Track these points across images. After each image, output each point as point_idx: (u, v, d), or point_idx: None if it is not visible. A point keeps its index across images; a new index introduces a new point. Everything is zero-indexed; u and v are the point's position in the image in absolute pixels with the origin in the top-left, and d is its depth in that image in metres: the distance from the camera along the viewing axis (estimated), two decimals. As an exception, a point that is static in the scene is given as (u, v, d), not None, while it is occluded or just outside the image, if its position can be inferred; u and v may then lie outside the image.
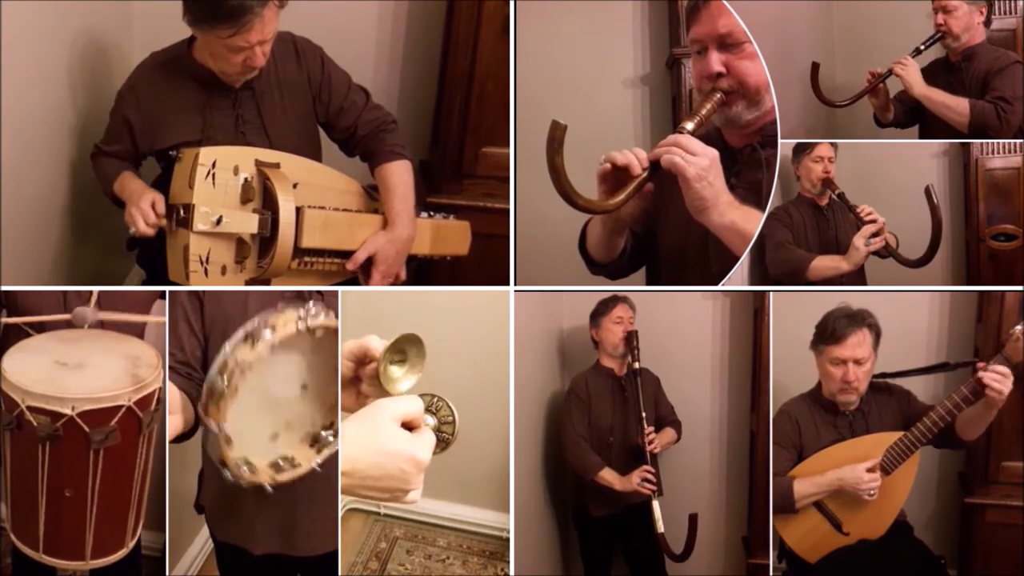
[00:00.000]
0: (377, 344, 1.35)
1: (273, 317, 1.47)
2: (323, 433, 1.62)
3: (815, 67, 2.69)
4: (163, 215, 2.26)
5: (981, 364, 2.29)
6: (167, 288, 2.13)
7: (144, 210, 2.26)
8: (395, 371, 1.33)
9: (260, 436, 1.58)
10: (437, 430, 1.32)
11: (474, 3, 2.78)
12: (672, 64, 2.85)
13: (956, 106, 2.50)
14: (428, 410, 1.32)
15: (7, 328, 2.11)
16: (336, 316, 1.52)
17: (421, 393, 1.33)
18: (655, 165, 1.93)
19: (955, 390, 2.32)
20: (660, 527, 2.68)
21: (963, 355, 2.77)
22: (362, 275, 2.47)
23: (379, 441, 1.21)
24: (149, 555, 2.43)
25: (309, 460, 1.60)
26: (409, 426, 1.25)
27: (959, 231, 2.76)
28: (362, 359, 1.37)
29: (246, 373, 1.42)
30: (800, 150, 2.62)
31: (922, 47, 2.56)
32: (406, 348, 1.33)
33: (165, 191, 2.32)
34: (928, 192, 2.50)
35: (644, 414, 2.74)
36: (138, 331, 2.18)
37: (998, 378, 2.24)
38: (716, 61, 2.02)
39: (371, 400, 1.34)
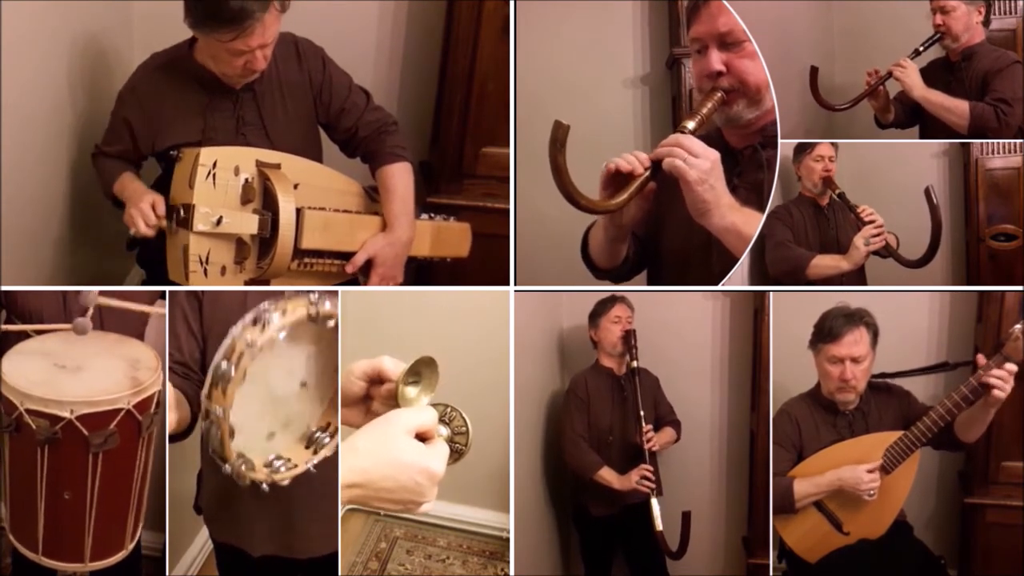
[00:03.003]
0: (391, 365, 1.35)
1: (283, 302, 1.46)
2: (319, 434, 1.61)
3: (814, 71, 2.69)
4: (163, 216, 2.26)
5: (980, 357, 2.29)
6: (167, 288, 2.13)
7: (144, 211, 2.26)
8: (410, 392, 1.32)
9: (258, 434, 1.57)
10: (450, 441, 1.31)
11: (474, 3, 2.78)
12: (672, 64, 2.85)
13: (955, 108, 2.49)
14: (441, 420, 1.31)
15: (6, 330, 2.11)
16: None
17: (434, 403, 1.33)
18: (656, 166, 1.93)
19: (955, 389, 2.32)
20: (659, 525, 2.68)
21: (963, 355, 2.76)
22: (362, 276, 2.48)
23: (393, 453, 1.21)
24: (149, 555, 2.43)
25: (304, 461, 1.59)
26: (423, 437, 1.25)
27: (959, 231, 2.76)
28: (375, 379, 1.37)
29: (255, 357, 1.40)
30: (801, 150, 2.62)
31: (921, 48, 2.56)
32: (421, 370, 1.33)
33: (165, 191, 2.32)
34: (928, 193, 2.50)
35: (642, 413, 2.74)
36: (138, 333, 2.18)
37: (1003, 375, 2.24)
38: (716, 60, 2.02)
39: None
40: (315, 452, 1.61)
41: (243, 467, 1.49)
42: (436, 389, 1.34)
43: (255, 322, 1.42)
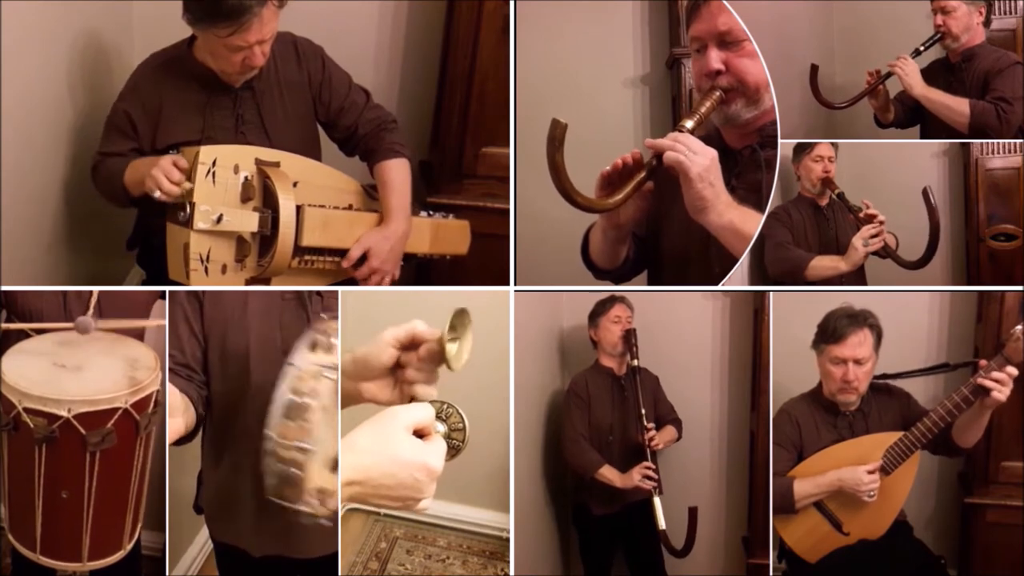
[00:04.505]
0: (424, 328, 1.36)
1: (326, 325, 1.43)
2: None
3: (814, 69, 2.69)
4: (187, 169, 2.18)
5: (983, 362, 2.29)
6: (167, 288, 2.13)
7: (166, 168, 2.17)
8: (452, 348, 1.33)
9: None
10: (448, 437, 1.31)
11: (474, 3, 2.78)
12: (672, 64, 2.85)
13: (956, 106, 2.49)
14: (438, 417, 1.31)
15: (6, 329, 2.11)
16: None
17: (431, 400, 1.33)
18: (653, 164, 1.93)
19: (955, 390, 2.32)
20: (662, 523, 2.67)
21: (963, 355, 2.77)
22: (356, 272, 2.47)
23: (391, 450, 1.21)
24: (149, 555, 2.43)
25: (336, 485, 1.53)
26: (420, 434, 1.25)
27: (959, 231, 2.76)
28: (408, 344, 1.37)
29: (328, 376, 1.37)
30: (800, 150, 2.62)
31: (922, 48, 2.56)
32: (456, 323, 1.34)
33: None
34: (926, 194, 2.50)
35: (644, 411, 2.74)
36: (138, 332, 2.18)
37: (1003, 378, 2.24)
38: (716, 59, 2.01)
39: (417, 385, 1.36)
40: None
41: (316, 503, 1.34)
42: (471, 336, 1.36)
43: (314, 347, 1.38)
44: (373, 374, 1.39)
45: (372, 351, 1.39)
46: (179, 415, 1.80)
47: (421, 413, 1.26)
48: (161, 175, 2.17)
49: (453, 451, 1.32)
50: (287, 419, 1.32)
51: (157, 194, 2.18)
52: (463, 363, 1.36)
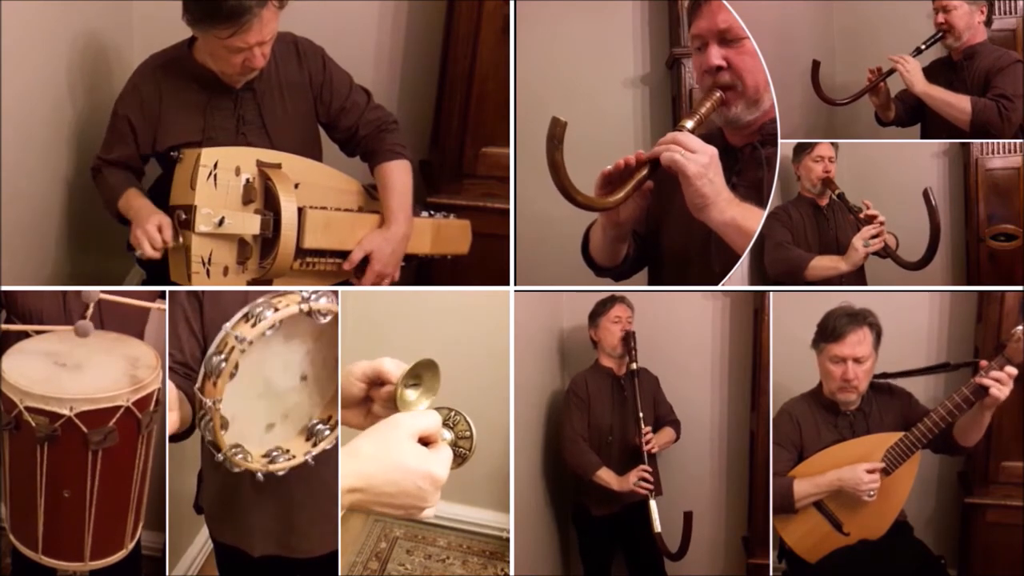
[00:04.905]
0: (391, 367, 1.34)
1: (276, 299, 1.47)
2: (319, 426, 1.62)
3: (815, 65, 2.69)
4: (170, 240, 2.22)
5: (984, 363, 2.29)
6: (167, 288, 2.12)
7: (151, 234, 2.21)
8: (410, 394, 1.31)
9: (256, 425, 1.58)
10: (454, 445, 1.29)
11: (474, 3, 2.78)
12: (672, 64, 2.85)
13: (957, 103, 2.49)
14: (445, 424, 1.30)
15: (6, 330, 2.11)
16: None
17: (438, 407, 1.31)
18: (654, 163, 1.93)
19: (956, 391, 2.32)
20: (657, 526, 2.67)
21: (963, 355, 2.77)
22: (355, 275, 2.47)
23: (395, 457, 1.20)
24: (149, 555, 2.43)
25: (303, 453, 1.60)
26: (426, 441, 1.24)
27: (959, 231, 2.76)
28: (375, 381, 1.36)
29: (246, 351, 1.41)
30: (800, 150, 2.62)
31: (923, 46, 2.56)
32: (421, 372, 1.31)
33: (166, 192, 2.32)
34: (926, 195, 2.50)
35: (642, 414, 2.74)
36: (137, 332, 2.18)
37: (1002, 377, 2.25)
38: (716, 55, 2.02)
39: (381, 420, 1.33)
40: (315, 444, 1.61)
41: (237, 456, 1.50)
42: (437, 392, 1.33)
43: (246, 318, 1.43)
44: (347, 403, 1.39)
45: (344, 382, 1.39)
46: (174, 409, 1.80)
47: (427, 420, 1.25)
48: (145, 240, 2.21)
49: (459, 459, 1.31)
50: (204, 376, 1.45)
51: (138, 253, 2.23)
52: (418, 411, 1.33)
